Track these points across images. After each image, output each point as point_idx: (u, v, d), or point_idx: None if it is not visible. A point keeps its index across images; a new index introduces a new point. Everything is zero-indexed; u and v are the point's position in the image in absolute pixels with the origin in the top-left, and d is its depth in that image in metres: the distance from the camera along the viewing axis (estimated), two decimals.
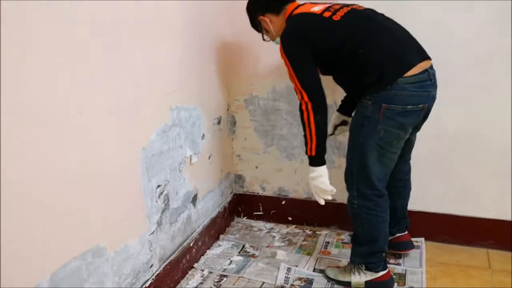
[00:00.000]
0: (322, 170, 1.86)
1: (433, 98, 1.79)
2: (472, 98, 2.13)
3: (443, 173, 2.27)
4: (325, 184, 1.86)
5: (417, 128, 1.91)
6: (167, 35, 1.88)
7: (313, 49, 1.78)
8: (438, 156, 2.25)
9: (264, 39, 2.05)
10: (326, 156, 1.87)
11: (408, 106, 1.70)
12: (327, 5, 1.83)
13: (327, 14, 1.78)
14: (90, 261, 1.48)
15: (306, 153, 1.86)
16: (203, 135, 2.24)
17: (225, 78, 2.47)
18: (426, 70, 1.72)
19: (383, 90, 1.69)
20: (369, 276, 1.95)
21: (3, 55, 1.10)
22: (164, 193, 1.90)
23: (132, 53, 1.64)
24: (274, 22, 1.94)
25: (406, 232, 2.19)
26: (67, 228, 1.37)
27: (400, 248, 2.19)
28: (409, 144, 1.98)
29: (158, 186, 1.85)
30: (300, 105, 1.82)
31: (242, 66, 2.48)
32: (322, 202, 1.90)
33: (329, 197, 1.89)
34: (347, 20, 1.75)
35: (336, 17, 1.75)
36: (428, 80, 1.72)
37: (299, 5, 1.91)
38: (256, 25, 2.02)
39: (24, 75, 1.18)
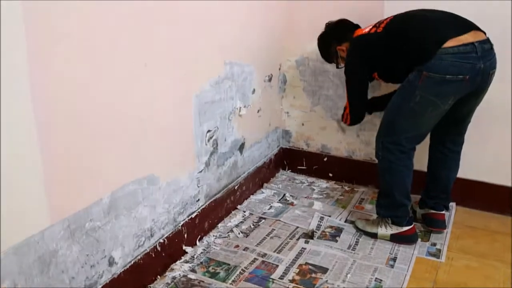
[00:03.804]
0: None
1: (480, 71, 1.82)
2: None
3: (480, 140, 2.32)
4: None
5: (468, 102, 1.96)
6: None
7: (370, 61, 2.06)
8: (476, 123, 2.28)
9: (338, 67, 2.30)
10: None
11: (447, 76, 1.81)
12: (375, 23, 2.07)
13: (373, 30, 2.04)
14: (145, 187, 1.75)
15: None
16: (254, 90, 2.43)
17: (279, 39, 2.63)
18: (471, 43, 1.80)
19: (426, 62, 1.83)
20: (395, 229, 2.11)
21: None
22: (214, 138, 2.14)
23: (193, 7, 1.85)
24: (347, 48, 2.17)
25: (443, 212, 2.21)
26: (128, 156, 1.64)
27: (431, 225, 2.20)
28: (460, 116, 2.04)
29: (208, 131, 2.09)
30: (344, 111, 2.25)
31: (296, 29, 2.63)
32: None
33: None
34: (387, 27, 1.99)
35: (379, 29, 2.01)
36: (473, 53, 1.80)
37: (358, 29, 2.19)
38: (331, 55, 2.31)
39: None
